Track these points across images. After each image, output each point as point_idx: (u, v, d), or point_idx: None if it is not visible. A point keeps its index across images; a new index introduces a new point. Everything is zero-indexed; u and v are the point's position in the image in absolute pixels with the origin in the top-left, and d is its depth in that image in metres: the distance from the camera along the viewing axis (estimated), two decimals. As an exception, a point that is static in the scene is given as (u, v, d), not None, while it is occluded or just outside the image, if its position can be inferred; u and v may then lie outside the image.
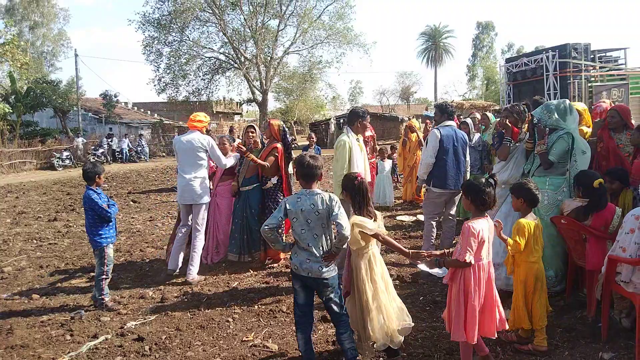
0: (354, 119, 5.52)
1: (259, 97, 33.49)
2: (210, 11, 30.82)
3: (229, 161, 6.24)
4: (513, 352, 3.75)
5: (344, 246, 3.47)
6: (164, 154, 32.94)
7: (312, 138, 10.73)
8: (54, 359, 4.00)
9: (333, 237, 3.48)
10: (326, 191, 3.59)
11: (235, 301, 5.11)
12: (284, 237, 5.51)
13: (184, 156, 5.89)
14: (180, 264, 6.00)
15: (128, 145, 28.49)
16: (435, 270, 4.80)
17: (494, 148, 5.94)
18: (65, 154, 24.61)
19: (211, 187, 6.43)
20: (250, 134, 6.45)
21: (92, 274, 5.79)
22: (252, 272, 6.07)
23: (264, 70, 32.58)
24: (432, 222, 5.95)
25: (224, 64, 33.53)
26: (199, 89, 33.59)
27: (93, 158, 24.46)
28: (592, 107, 7.25)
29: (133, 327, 4.55)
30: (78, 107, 31.33)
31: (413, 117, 14.83)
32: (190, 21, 30.85)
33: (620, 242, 3.65)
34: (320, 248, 3.41)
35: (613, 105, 5.98)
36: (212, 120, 15.82)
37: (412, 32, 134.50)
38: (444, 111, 5.88)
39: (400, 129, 28.70)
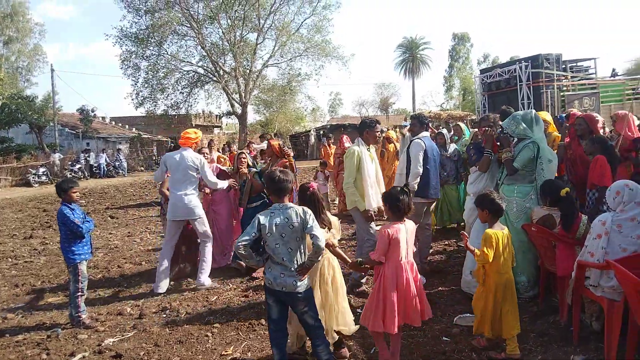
0: (362, 129, 5.61)
1: (239, 110, 33.34)
2: (188, 25, 30.69)
3: (221, 183, 6.24)
4: (487, 360, 3.81)
5: (319, 258, 3.51)
6: (142, 168, 32.67)
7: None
8: (29, 379, 3.95)
9: (306, 250, 3.51)
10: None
11: (214, 315, 5.10)
12: None
13: (176, 173, 5.91)
14: (165, 289, 5.88)
15: (105, 160, 28.21)
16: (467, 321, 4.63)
17: (468, 159, 6.07)
18: (42, 170, 24.23)
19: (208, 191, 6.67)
20: (242, 159, 6.71)
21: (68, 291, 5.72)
22: (231, 285, 6.07)
23: (243, 83, 32.52)
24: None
25: (202, 77, 33.34)
26: (177, 103, 33.32)
27: (70, 174, 24.15)
28: (559, 116, 7.54)
29: (111, 344, 4.51)
30: (54, 122, 30.94)
31: (390, 128, 14.99)
32: (168, 35, 30.63)
33: (588, 247, 3.76)
34: (295, 262, 3.41)
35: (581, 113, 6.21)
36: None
37: (390, 44, 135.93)
38: (422, 122, 6.01)
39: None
